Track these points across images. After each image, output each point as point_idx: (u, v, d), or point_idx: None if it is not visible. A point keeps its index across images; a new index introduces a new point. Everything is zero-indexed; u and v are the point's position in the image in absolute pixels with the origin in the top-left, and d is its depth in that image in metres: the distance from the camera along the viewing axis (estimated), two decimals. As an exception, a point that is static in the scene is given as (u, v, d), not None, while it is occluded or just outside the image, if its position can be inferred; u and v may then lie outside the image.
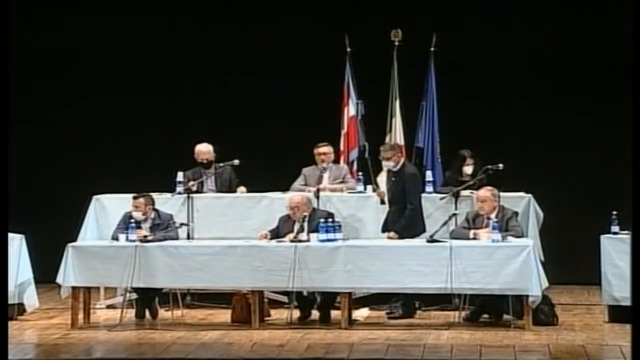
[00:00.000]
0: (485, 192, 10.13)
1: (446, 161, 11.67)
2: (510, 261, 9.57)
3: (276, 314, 10.50)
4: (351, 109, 12.27)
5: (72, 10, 13.25)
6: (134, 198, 10.47)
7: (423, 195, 10.95)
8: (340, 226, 10.02)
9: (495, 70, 12.61)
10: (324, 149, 11.45)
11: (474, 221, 10.15)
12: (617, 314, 9.87)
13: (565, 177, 12.39)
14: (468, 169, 11.08)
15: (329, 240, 9.86)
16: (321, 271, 9.77)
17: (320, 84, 12.53)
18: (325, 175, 11.39)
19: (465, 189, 10.76)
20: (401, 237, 10.22)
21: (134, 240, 10.02)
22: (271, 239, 10.14)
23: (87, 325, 10.10)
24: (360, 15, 12.71)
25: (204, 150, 11.51)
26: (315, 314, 10.25)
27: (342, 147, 12.16)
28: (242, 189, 11.43)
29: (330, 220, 10.05)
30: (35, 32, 13.21)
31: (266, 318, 10.20)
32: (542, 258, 10.23)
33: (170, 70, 13.21)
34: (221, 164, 11.41)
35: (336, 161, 11.77)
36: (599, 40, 12.40)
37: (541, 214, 10.82)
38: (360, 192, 11.13)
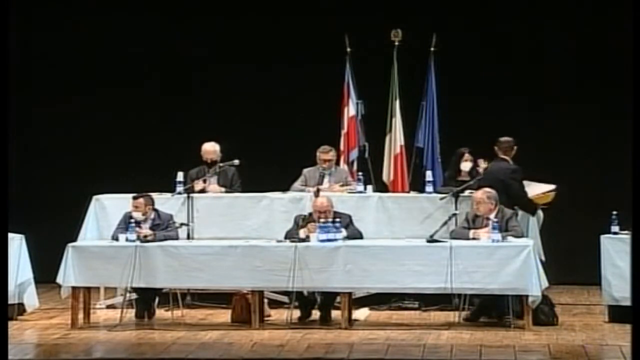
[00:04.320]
0: (482, 194, 10.13)
1: (446, 161, 11.67)
2: (510, 261, 9.57)
3: (276, 314, 10.50)
4: (351, 109, 12.27)
5: (72, 8, 13.25)
6: (134, 198, 10.46)
7: (423, 195, 10.99)
8: (338, 227, 10.01)
9: (495, 70, 12.61)
10: (329, 155, 11.43)
11: (474, 221, 10.15)
12: (617, 314, 9.87)
13: (565, 177, 12.36)
14: (465, 166, 11.08)
15: (329, 240, 9.86)
16: (321, 271, 9.76)
17: (320, 84, 12.54)
18: (326, 179, 11.38)
19: (465, 189, 10.76)
20: None
21: (134, 240, 10.02)
22: (289, 239, 10.08)
23: (87, 325, 10.09)
24: (360, 15, 12.71)
25: (210, 149, 11.50)
26: (315, 314, 10.25)
27: (342, 147, 12.17)
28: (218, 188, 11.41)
29: (343, 222, 10.06)
30: (34, 31, 13.22)
31: (266, 318, 10.19)
32: (543, 258, 10.24)
33: (171, 71, 13.22)
34: (221, 164, 11.41)
35: (336, 162, 11.76)
36: (598, 40, 12.41)
37: (541, 214, 10.82)
38: (360, 192, 11.13)
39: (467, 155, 11.10)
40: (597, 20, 12.43)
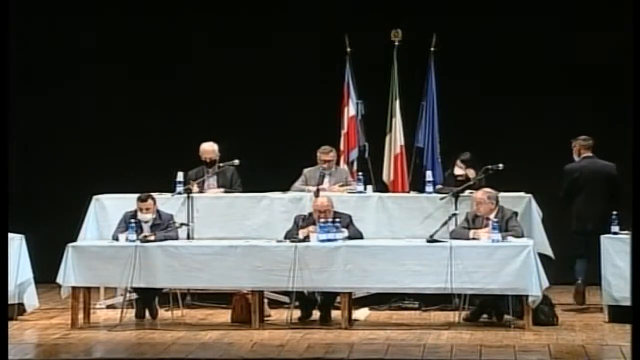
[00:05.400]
0: (482, 194, 10.13)
1: (446, 161, 11.67)
2: (510, 261, 9.57)
3: (276, 314, 10.50)
4: (351, 109, 12.28)
5: (73, 8, 13.25)
6: (142, 200, 10.38)
7: (423, 195, 10.99)
8: (338, 227, 10.02)
9: (495, 70, 12.61)
10: (329, 156, 11.42)
11: (474, 221, 10.15)
12: (617, 314, 9.87)
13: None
14: (457, 171, 11.13)
15: (329, 240, 9.86)
16: (321, 271, 9.76)
17: (320, 84, 12.54)
18: (326, 179, 11.38)
19: (465, 189, 10.76)
20: None
21: (134, 240, 10.02)
22: (289, 239, 10.07)
23: (87, 325, 10.09)
24: (360, 15, 12.71)
25: (208, 149, 11.50)
26: (315, 314, 10.25)
27: (342, 147, 12.18)
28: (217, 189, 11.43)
29: (343, 222, 10.07)
30: (34, 31, 13.22)
31: (266, 318, 10.19)
32: (552, 255, 10.36)
33: (171, 70, 13.22)
34: (221, 164, 11.41)
35: (336, 162, 11.76)
36: (598, 39, 12.41)
37: (541, 214, 10.83)
38: (360, 192, 11.13)
39: (458, 162, 11.15)
40: (597, 20, 12.43)
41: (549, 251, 10.66)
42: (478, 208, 10.10)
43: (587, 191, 10.81)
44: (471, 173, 11.02)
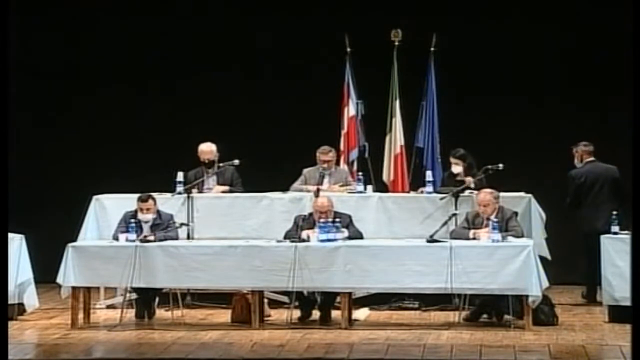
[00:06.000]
0: (486, 195, 10.11)
1: (446, 161, 11.68)
2: (510, 261, 9.57)
3: (276, 314, 10.50)
4: (351, 109, 12.28)
5: (72, 8, 13.25)
6: (143, 200, 10.38)
7: (423, 195, 10.99)
8: (338, 227, 10.02)
9: (495, 70, 12.62)
10: (328, 156, 11.42)
11: (474, 221, 10.15)
12: (617, 314, 9.87)
13: (565, 177, 12.38)
14: (454, 169, 11.14)
15: (329, 240, 9.86)
16: (321, 271, 9.76)
17: (320, 84, 12.54)
18: (326, 179, 11.37)
19: (465, 189, 10.76)
20: None
21: (133, 240, 10.02)
22: (289, 239, 10.07)
23: (87, 325, 10.09)
24: (360, 15, 12.71)
25: (207, 149, 11.50)
26: (315, 314, 10.25)
27: (342, 147, 12.18)
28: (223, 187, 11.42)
29: (343, 222, 10.07)
30: (35, 31, 13.21)
31: (266, 318, 10.18)
32: (549, 257, 10.34)
33: (171, 70, 13.21)
34: (221, 164, 11.41)
35: (336, 162, 11.76)
36: (599, 39, 12.41)
37: (543, 214, 10.83)
38: (360, 192, 11.13)
39: (452, 159, 11.16)
40: (597, 20, 12.43)
41: (545, 252, 10.63)
42: (485, 210, 10.07)
43: (594, 194, 10.95)
44: (471, 174, 11.02)
